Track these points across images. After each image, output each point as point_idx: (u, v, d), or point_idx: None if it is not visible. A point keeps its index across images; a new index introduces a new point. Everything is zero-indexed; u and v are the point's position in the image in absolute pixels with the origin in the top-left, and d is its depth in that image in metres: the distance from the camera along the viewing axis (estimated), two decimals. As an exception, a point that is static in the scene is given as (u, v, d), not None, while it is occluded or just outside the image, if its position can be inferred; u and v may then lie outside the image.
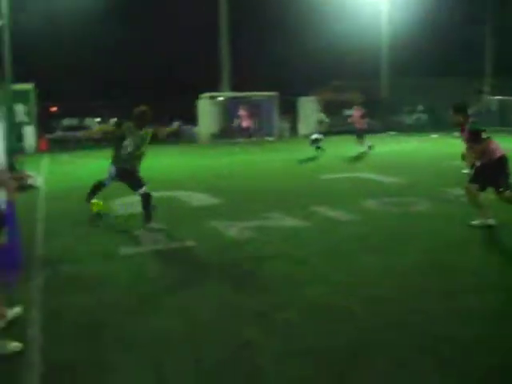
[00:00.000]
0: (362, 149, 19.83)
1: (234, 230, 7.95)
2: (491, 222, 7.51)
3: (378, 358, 3.87)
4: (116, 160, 8.48)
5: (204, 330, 4.47)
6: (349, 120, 21.86)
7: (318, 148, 19.49)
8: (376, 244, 6.98)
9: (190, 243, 7.28)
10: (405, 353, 3.94)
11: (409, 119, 39.11)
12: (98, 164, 19.82)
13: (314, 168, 15.94)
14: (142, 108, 8.34)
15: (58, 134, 34.48)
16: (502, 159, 7.41)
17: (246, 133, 28.44)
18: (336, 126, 30.13)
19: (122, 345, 4.27)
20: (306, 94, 35.53)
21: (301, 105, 34.23)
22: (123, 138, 8.26)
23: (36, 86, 28.05)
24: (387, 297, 5.03)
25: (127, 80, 47.15)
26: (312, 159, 18.40)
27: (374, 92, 38.59)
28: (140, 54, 48.78)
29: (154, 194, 8.57)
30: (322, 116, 25.64)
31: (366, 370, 3.73)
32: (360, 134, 20.46)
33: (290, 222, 8.39)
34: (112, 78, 47.21)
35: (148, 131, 8.33)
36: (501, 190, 7.40)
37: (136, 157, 8.28)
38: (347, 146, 21.67)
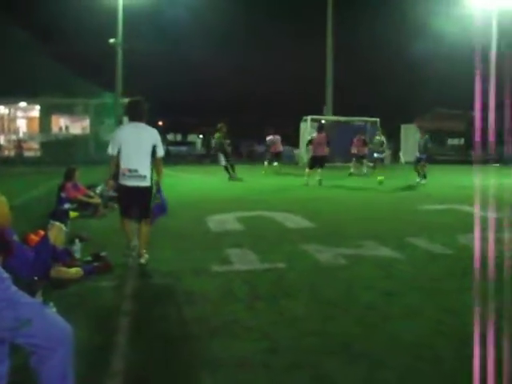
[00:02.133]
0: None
1: (326, 255, 7.87)
2: None
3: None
4: None
5: (284, 355, 4.42)
6: None
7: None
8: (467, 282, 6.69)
9: (281, 265, 7.27)
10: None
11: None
12: (199, 179, 20.50)
13: (413, 198, 15.56)
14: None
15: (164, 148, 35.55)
16: None
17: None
18: (438, 155, 29.47)
19: (201, 361, 4.30)
20: (408, 122, 34.94)
21: (403, 132, 33.67)
22: None
23: (146, 99, 29.10)
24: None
25: (235, 101, 48.19)
26: (412, 188, 18.00)
27: (480, 122, 37.36)
28: (251, 77, 49.80)
29: (250, 214, 8.63)
30: (381, 137, 25.54)
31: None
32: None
33: (384, 251, 8.22)
34: (220, 98, 48.38)
35: None
36: None
37: None
38: (450, 176, 21.05)
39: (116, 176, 7.42)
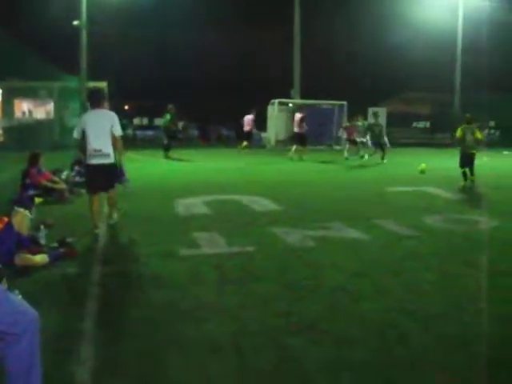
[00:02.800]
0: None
1: (294, 237, 7.91)
2: None
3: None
4: None
5: (252, 337, 4.45)
6: None
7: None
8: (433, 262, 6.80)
9: (249, 248, 7.28)
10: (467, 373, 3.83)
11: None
12: (167, 163, 20.35)
13: (380, 179, 15.70)
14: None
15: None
16: None
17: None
18: (405, 138, 29.82)
19: (171, 345, 4.30)
20: (376, 105, 35.13)
21: (370, 115, 33.84)
22: None
23: (109, 83, 28.74)
24: (442, 314, 4.88)
25: (200, 82, 47.85)
26: (377, 170, 18.16)
27: (446, 106, 37.86)
28: (215, 56, 49.42)
29: (217, 197, 8.62)
30: (363, 123, 25.81)
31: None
32: None
33: (351, 233, 8.29)
34: (185, 79, 47.99)
35: None
36: None
37: None
38: (415, 158, 21.26)
39: (79, 161, 8.70)
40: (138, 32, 44.73)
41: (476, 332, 4.56)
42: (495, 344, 4.34)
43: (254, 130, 27.79)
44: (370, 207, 10.79)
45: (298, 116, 22.92)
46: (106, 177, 8.28)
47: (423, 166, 16.73)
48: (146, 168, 17.25)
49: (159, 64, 49.20)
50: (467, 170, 14.03)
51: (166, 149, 22.19)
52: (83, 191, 10.27)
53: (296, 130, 22.98)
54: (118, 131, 8.36)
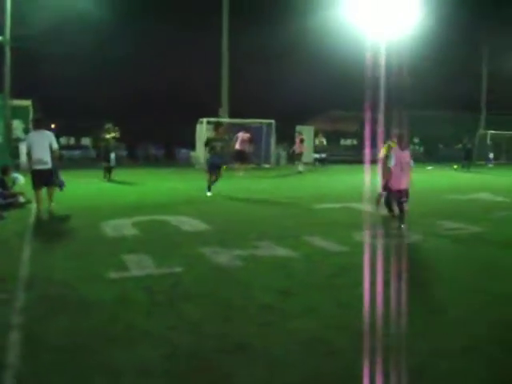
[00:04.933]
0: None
1: (223, 257, 7.91)
2: None
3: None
4: None
5: (183, 359, 4.41)
6: None
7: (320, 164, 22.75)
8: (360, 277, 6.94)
9: (178, 269, 7.23)
10: None
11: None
12: (94, 184, 19.98)
13: (309, 196, 15.93)
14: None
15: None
16: None
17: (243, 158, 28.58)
18: (332, 155, 30.61)
19: (100, 371, 4.20)
20: (303, 123, 35.71)
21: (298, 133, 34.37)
22: None
23: (34, 102, 27.96)
24: (371, 329, 4.99)
25: (129, 100, 47.29)
26: (308, 186, 18.41)
27: (372, 123, 38.84)
28: (143, 76, 49.01)
29: (146, 218, 8.54)
30: (322, 139, 27.35)
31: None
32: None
33: (280, 251, 8.36)
34: (113, 97, 47.35)
35: None
36: None
37: None
38: (342, 175, 21.72)
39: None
40: (67, 49, 43.91)
41: (406, 345, 4.68)
42: (424, 355, 4.47)
43: (182, 150, 28.01)
44: (299, 224, 10.93)
45: (245, 135, 23.50)
46: (45, 177, 11.86)
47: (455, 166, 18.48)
48: (72, 189, 16.87)
49: (88, 82, 48.37)
50: None
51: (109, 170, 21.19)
52: (5, 214, 11.27)
53: (238, 147, 23.53)
54: (55, 146, 11.97)
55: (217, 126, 16.60)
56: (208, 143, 15.89)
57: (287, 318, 5.36)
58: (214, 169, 15.86)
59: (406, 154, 10.73)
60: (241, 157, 23.83)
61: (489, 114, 44.21)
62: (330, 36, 39.62)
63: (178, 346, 4.67)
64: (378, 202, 12.13)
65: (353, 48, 39.16)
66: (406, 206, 10.64)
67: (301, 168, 27.09)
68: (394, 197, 11.01)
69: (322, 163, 30.22)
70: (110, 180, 20.64)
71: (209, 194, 15.75)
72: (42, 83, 39.63)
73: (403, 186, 10.64)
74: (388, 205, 11.57)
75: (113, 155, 20.86)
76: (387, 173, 11.11)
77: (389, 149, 11.53)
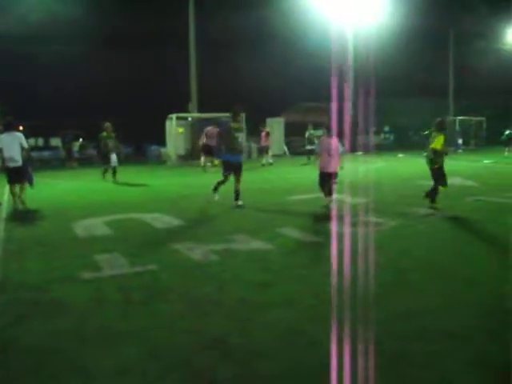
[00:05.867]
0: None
1: (198, 252, 7.84)
2: None
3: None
4: None
5: (161, 357, 4.34)
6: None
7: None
8: (337, 266, 6.93)
9: (152, 267, 7.13)
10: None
11: (376, 139, 39.72)
12: (65, 184, 19.71)
13: (281, 188, 15.92)
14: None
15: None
16: None
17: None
18: (301, 147, 30.87)
19: (76, 373, 4.11)
20: (273, 116, 35.70)
21: (269, 125, 34.31)
22: None
23: (1, 103, 27.49)
24: (350, 319, 4.97)
25: (97, 98, 46.82)
26: (280, 180, 18.39)
27: (341, 113, 39.02)
28: (108, 72, 48.52)
29: (118, 217, 8.42)
30: (311, 131, 28.18)
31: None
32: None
33: (255, 244, 8.31)
34: (78, 97, 46.84)
35: None
36: None
37: None
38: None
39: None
40: (33, 50, 43.29)
41: (387, 330, 4.67)
42: (404, 339, 4.46)
43: (152, 146, 27.85)
44: (274, 216, 10.89)
45: (213, 130, 23.39)
46: (18, 174, 12.81)
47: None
48: (42, 190, 16.61)
49: (54, 83, 47.72)
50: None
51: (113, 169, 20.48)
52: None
53: (205, 141, 23.41)
54: (25, 145, 12.96)
55: (235, 113, 12.85)
56: (227, 135, 12.54)
57: (265, 311, 5.32)
58: (231, 170, 12.66)
59: (334, 141, 12.19)
60: (208, 151, 23.54)
61: (457, 100, 44.70)
62: (298, 25, 39.67)
63: (155, 343, 4.60)
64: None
65: (323, 39, 39.29)
66: (335, 186, 12.28)
67: (270, 160, 28.11)
68: (323, 178, 12.24)
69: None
70: (115, 180, 19.88)
71: (216, 197, 13.27)
72: (10, 85, 39.04)
73: (332, 169, 12.11)
74: (321, 186, 12.45)
75: (113, 155, 20.28)
76: (316, 159, 12.84)
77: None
